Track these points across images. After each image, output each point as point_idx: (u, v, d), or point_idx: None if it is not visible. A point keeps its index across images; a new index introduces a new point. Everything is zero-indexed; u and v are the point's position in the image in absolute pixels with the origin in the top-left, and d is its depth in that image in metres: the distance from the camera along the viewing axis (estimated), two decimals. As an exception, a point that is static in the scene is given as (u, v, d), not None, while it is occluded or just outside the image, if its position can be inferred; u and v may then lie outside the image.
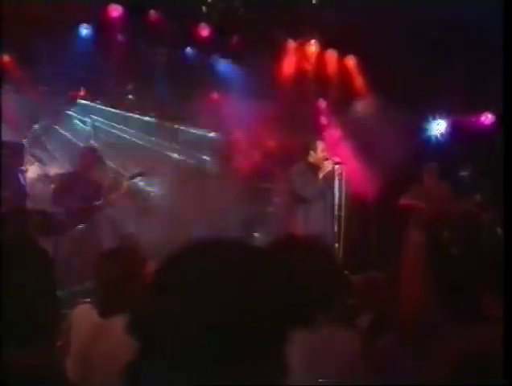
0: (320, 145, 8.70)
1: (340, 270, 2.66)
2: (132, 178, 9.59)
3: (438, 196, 9.78)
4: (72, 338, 3.62)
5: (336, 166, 8.47)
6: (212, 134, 11.09)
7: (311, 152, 8.64)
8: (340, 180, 8.42)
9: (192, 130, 11.08)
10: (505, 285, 2.52)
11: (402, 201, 9.93)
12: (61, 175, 9.48)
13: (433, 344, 2.41)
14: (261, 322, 1.31)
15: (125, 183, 9.42)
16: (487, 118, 11.46)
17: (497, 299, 2.56)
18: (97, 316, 3.52)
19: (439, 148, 10.99)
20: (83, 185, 9.04)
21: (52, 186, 9.39)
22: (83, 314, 3.73)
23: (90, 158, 9.39)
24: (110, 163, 10.44)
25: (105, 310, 3.49)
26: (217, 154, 10.93)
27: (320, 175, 8.47)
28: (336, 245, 8.30)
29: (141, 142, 10.77)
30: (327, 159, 8.54)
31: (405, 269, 2.88)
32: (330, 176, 8.43)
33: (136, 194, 10.36)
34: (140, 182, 10.52)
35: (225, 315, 1.29)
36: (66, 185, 9.12)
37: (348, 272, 4.83)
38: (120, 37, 10.16)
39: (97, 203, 9.10)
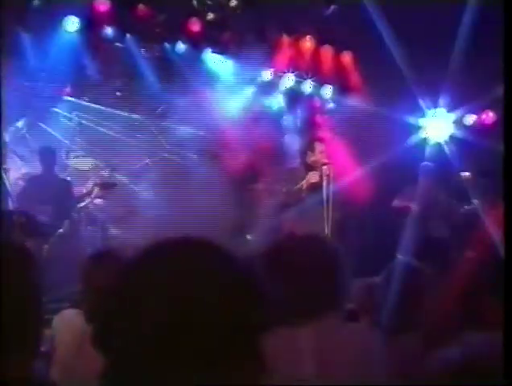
0: (317, 147, 8.73)
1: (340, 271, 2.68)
2: (103, 186, 9.62)
3: (433, 197, 9.79)
4: (56, 345, 3.62)
5: (325, 167, 8.52)
6: (202, 132, 11.06)
7: (309, 152, 8.69)
8: (328, 181, 8.46)
9: (182, 128, 11.05)
10: (505, 285, 2.55)
11: (395, 203, 9.94)
12: (28, 177, 9.43)
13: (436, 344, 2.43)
14: (235, 324, 1.33)
15: (96, 189, 9.49)
16: (488, 117, 11.48)
17: (497, 300, 2.58)
18: (83, 322, 3.50)
19: (438, 147, 10.99)
20: (48, 186, 9.04)
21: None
22: (68, 321, 3.72)
23: (50, 158, 9.43)
24: (96, 161, 10.42)
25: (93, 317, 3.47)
26: (207, 153, 10.90)
27: (308, 180, 8.51)
28: None
29: (128, 140, 10.74)
30: (320, 161, 8.60)
31: None
32: (319, 180, 8.47)
33: (123, 194, 10.34)
34: (126, 181, 10.50)
35: (196, 316, 1.30)
36: (29, 187, 9.11)
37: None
38: (108, 32, 10.14)
39: (71, 205, 9.16)
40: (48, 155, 9.47)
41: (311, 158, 8.64)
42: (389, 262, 3.70)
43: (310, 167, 8.65)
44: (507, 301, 2.47)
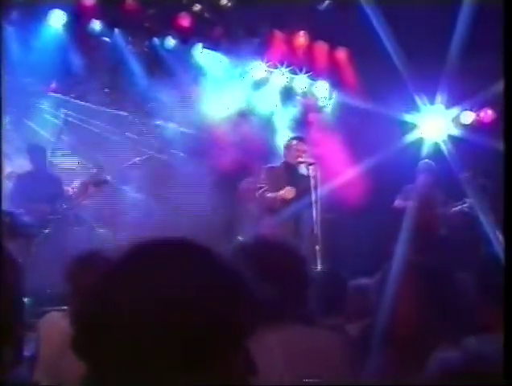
0: (292, 146, 8.75)
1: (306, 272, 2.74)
2: (97, 184, 9.59)
3: (434, 197, 9.80)
4: (41, 348, 3.60)
5: (311, 167, 8.54)
6: (191, 130, 11.03)
7: (286, 151, 8.72)
8: (315, 181, 8.49)
9: (171, 126, 11.02)
10: (505, 285, 2.55)
11: (398, 203, 9.91)
12: (17, 176, 9.39)
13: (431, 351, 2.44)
14: (220, 325, 1.33)
15: (91, 188, 9.45)
16: (487, 115, 11.47)
17: (496, 306, 2.58)
18: (69, 326, 3.48)
19: (435, 147, 11.00)
20: (42, 184, 9.01)
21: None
22: (53, 323, 3.70)
23: (39, 155, 9.41)
24: (82, 160, 10.38)
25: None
26: (196, 152, 10.88)
27: (283, 195, 8.51)
28: (317, 247, 8.38)
29: (116, 138, 10.71)
30: (302, 161, 8.63)
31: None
32: (294, 196, 8.49)
33: (110, 194, 10.30)
34: (114, 180, 10.45)
35: (181, 318, 1.30)
36: (23, 185, 9.08)
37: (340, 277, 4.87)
38: (95, 26, 10.11)
39: (61, 203, 9.11)
40: (38, 152, 9.44)
41: (296, 159, 8.64)
42: (384, 263, 3.67)
43: (289, 166, 8.65)
44: (507, 303, 2.47)
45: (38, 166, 9.40)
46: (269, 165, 8.99)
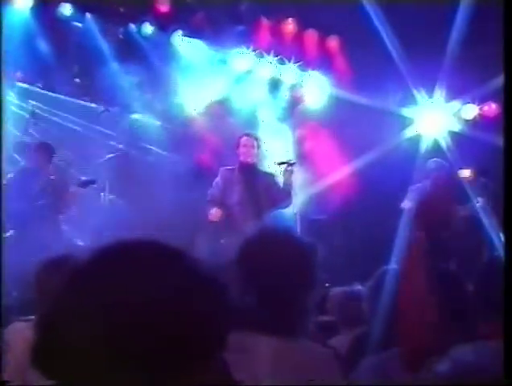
0: (247, 141, 8.80)
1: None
2: (82, 185, 9.56)
3: (442, 197, 9.79)
4: (8, 359, 3.61)
5: (289, 168, 8.61)
6: (169, 124, 11.03)
7: (238, 150, 8.77)
8: (296, 181, 8.56)
9: (146, 119, 11.02)
10: (505, 286, 2.59)
11: (405, 204, 9.83)
12: (16, 171, 9.37)
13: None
14: (192, 331, 1.35)
15: (73, 190, 9.41)
16: (490, 109, 11.50)
17: (495, 317, 2.61)
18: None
19: (434, 143, 11.04)
20: (36, 184, 9.01)
21: None
22: (19, 333, 3.71)
23: (44, 155, 9.37)
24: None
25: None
26: (174, 147, 10.89)
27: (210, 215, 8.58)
28: None
29: (87, 132, 10.68)
30: (283, 161, 8.71)
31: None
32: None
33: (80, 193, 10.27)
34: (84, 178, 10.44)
35: (150, 325, 1.32)
36: (17, 184, 9.07)
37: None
38: (65, 10, 10.09)
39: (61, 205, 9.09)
40: (44, 151, 9.36)
41: (244, 156, 8.68)
42: (377, 269, 3.70)
43: (244, 166, 8.70)
44: (507, 302, 2.51)
45: (42, 165, 9.32)
46: (225, 167, 9.02)
